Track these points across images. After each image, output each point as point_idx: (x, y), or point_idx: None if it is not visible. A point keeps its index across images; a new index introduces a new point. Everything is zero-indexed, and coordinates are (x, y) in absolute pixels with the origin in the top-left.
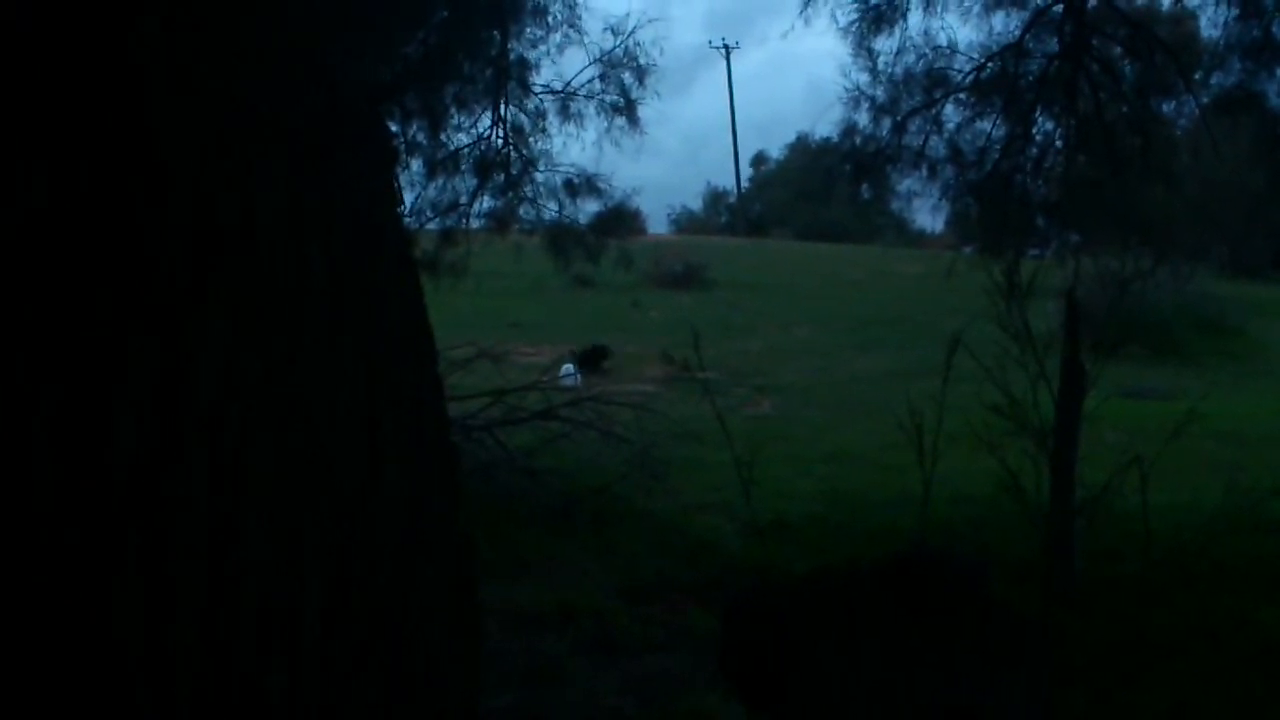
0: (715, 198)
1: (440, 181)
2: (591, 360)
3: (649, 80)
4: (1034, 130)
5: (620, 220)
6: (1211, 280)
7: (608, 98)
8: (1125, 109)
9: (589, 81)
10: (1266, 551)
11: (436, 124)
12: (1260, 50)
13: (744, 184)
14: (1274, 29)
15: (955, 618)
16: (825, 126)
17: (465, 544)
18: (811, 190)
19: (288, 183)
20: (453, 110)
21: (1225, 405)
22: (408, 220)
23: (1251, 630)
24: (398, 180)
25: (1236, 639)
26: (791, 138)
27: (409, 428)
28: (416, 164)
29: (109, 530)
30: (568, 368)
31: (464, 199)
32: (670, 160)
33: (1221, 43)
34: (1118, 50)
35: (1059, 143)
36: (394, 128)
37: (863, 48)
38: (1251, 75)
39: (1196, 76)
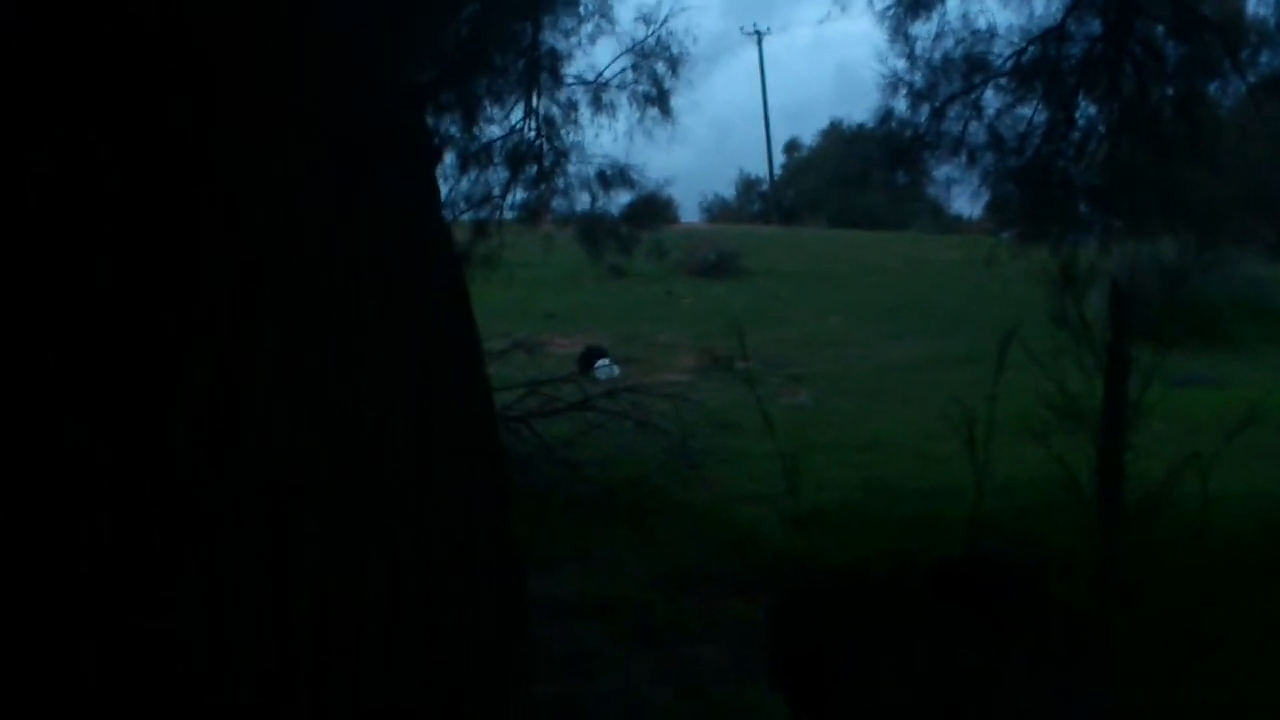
0: (748, 185)
1: (473, 174)
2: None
3: (681, 69)
4: (1076, 115)
5: (652, 210)
6: (1260, 264)
7: (640, 88)
8: (1170, 91)
9: (621, 72)
10: None
11: (469, 117)
12: None
13: (777, 171)
14: None
15: (1012, 618)
16: (860, 112)
17: (514, 541)
18: (846, 177)
19: (335, 184)
20: (485, 103)
21: (1277, 393)
22: (442, 213)
23: None
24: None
25: None
26: (823, 124)
27: (458, 425)
28: (449, 157)
29: (168, 533)
30: (603, 362)
31: (497, 191)
32: (701, 148)
33: (1270, 21)
34: (1161, 31)
35: (1102, 127)
36: (429, 120)
37: (900, 32)
38: None
39: (1244, 56)
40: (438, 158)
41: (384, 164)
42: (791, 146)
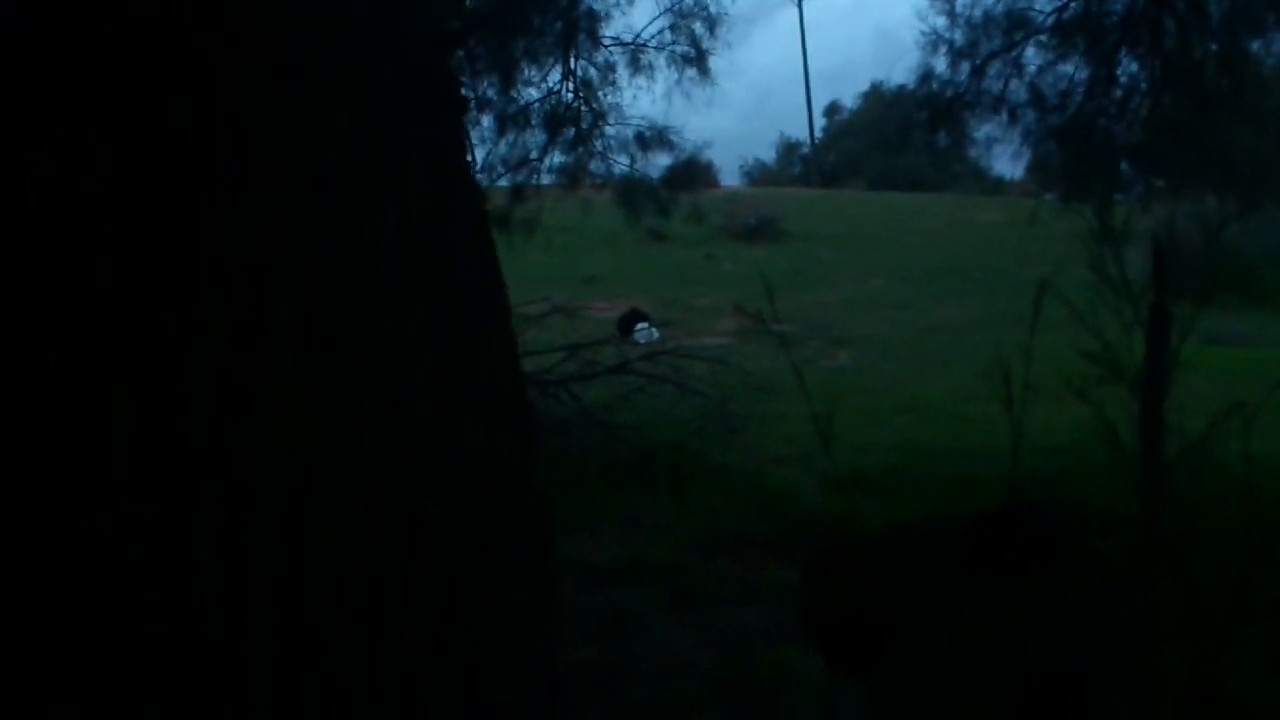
0: (788, 149)
1: (511, 137)
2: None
3: (720, 30)
4: (1118, 72)
5: (692, 173)
6: None
7: (678, 49)
8: (1213, 47)
9: (659, 33)
10: None
11: (507, 78)
12: None
13: (817, 134)
14: None
15: (1049, 575)
16: (900, 74)
17: (541, 499)
18: (886, 140)
19: (358, 134)
20: (523, 64)
21: None
22: (480, 177)
23: None
24: (467, 131)
25: None
26: (863, 87)
27: (483, 383)
28: (487, 120)
29: (185, 489)
30: (642, 325)
31: (534, 154)
32: (741, 112)
33: None
34: None
35: (1144, 84)
36: (465, 83)
37: None
38: None
39: None
40: (467, 109)
41: (410, 116)
42: (832, 109)
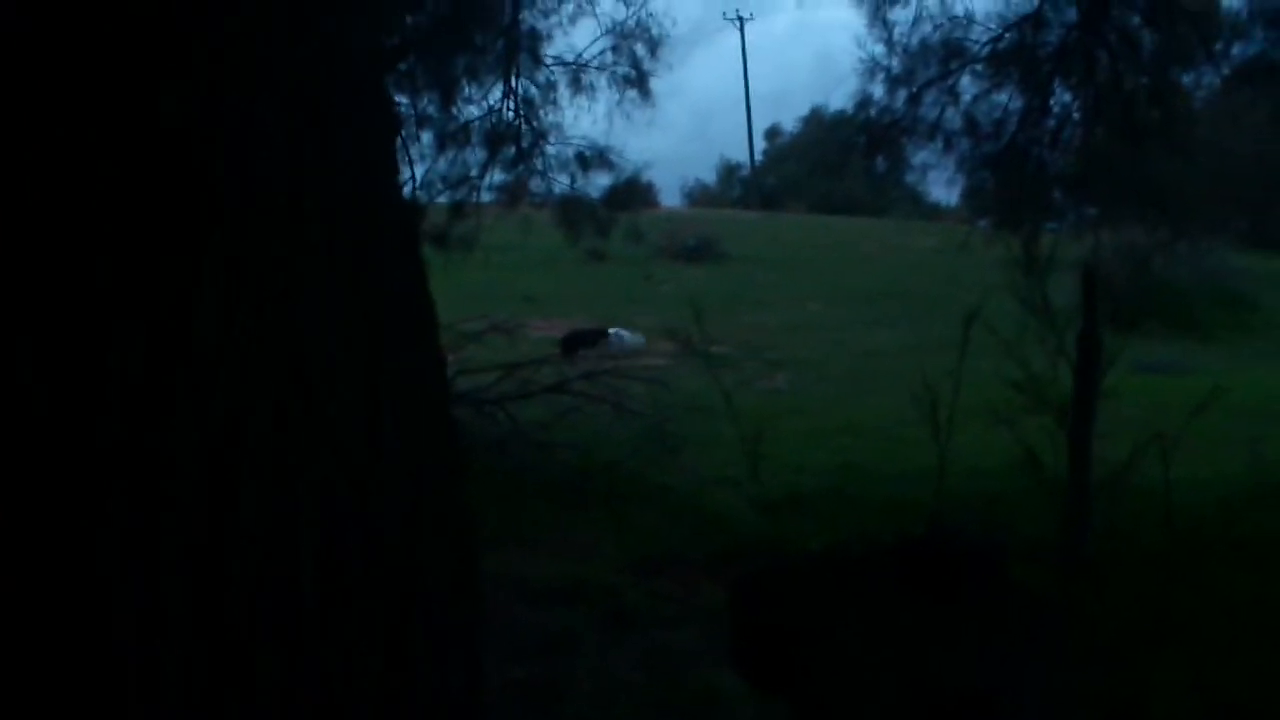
0: (728, 171)
1: (451, 154)
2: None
3: (661, 52)
4: (1051, 102)
5: (632, 193)
6: (1230, 254)
7: (619, 69)
8: (1144, 80)
9: (601, 53)
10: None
11: (447, 96)
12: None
13: (757, 157)
14: None
15: (972, 598)
16: (840, 99)
17: (467, 515)
18: (826, 163)
19: (286, 146)
20: (463, 82)
21: (1243, 380)
22: (418, 193)
23: (1272, 607)
24: (399, 148)
25: (1257, 616)
26: (803, 110)
27: (410, 396)
28: (428, 137)
29: (99, 493)
30: (616, 330)
31: (474, 172)
32: (682, 133)
33: (1244, 12)
34: (1137, 20)
35: (1076, 114)
36: (404, 100)
37: (878, 18)
38: (1273, 45)
39: (1217, 47)
40: (400, 127)
41: (338, 127)
42: (772, 133)
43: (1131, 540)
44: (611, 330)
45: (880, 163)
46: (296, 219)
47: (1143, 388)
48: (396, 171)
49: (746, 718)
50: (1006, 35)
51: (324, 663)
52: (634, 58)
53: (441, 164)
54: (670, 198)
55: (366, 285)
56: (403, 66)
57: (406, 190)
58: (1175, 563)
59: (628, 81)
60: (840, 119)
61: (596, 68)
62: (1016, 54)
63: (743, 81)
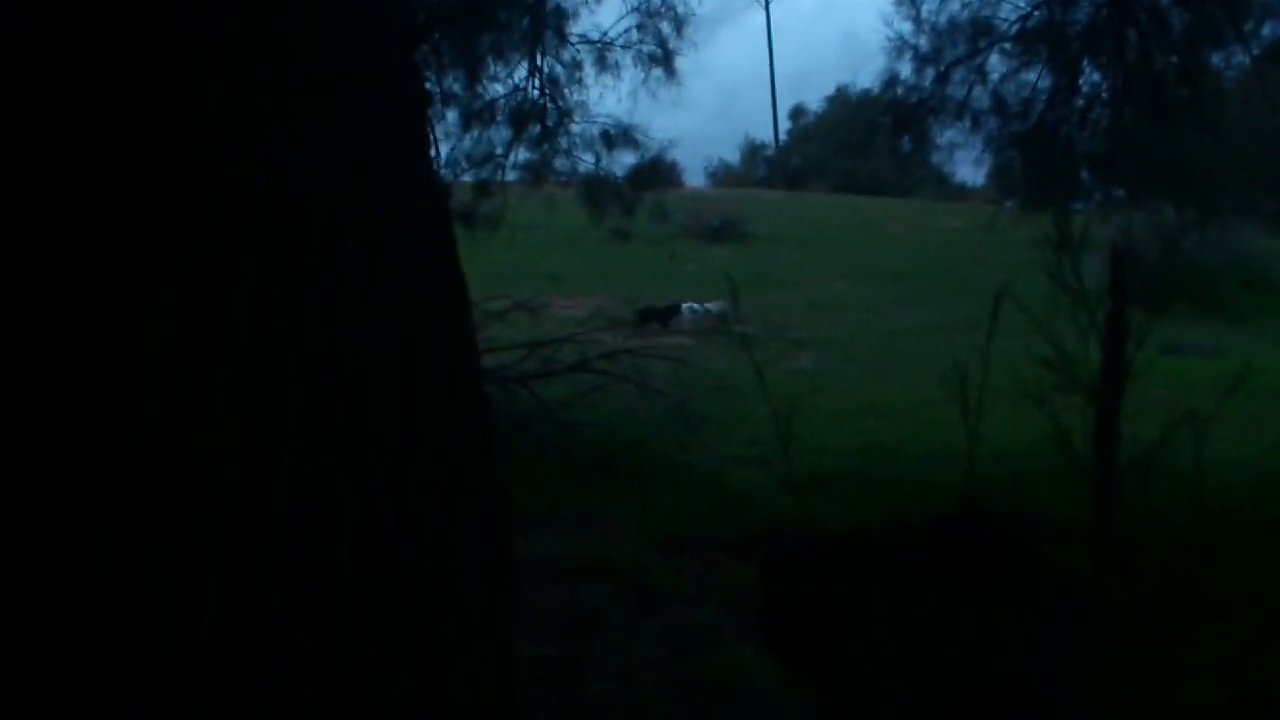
0: (753, 150)
1: (476, 133)
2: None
3: (686, 30)
4: (1080, 81)
5: (656, 172)
6: (1259, 235)
7: (645, 48)
8: (1174, 59)
9: (626, 31)
10: None
11: (473, 74)
12: None
13: (782, 137)
14: None
15: (1002, 579)
16: (865, 78)
17: (500, 495)
18: (851, 143)
19: (318, 128)
20: (489, 60)
21: (1273, 361)
22: (444, 172)
23: None
24: (431, 127)
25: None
26: (828, 90)
27: (443, 380)
28: (453, 115)
29: (136, 478)
30: (690, 305)
31: (500, 150)
32: (707, 113)
33: None
34: None
35: (1105, 94)
36: (430, 78)
37: None
38: None
39: (1248, 26)
40: (430, 104)
41: (370, 107)
42: (797, 112)
43: (1161, 521)
44: (685, 305)
45: (906, 142)
46: (330, 205)
47: (1171, 369)
48: (428, 150)
49: (770, 694)
50: (1035, 13)
51: (359, 647)
52: (659, 36)
53: (467, 142)
54: (695, 177)
55: (402, 270)
56: (428, 45)
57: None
58: (1205, 545)
59: (653, 60)
60: (866, 98)
61: (622, 46)
62: (1045, 32)
63: (768, 61)
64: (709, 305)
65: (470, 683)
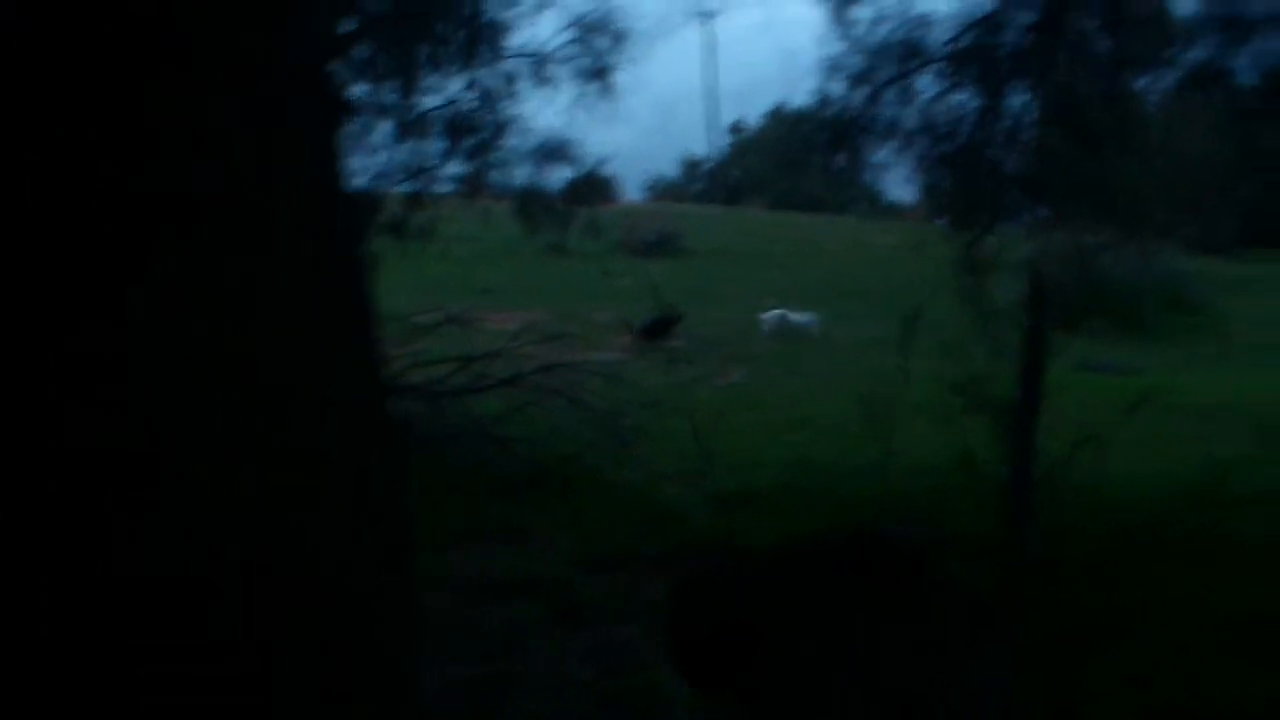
0: (691, 165)
1: (410, 144)
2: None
3: (624, 45)
4: (1007, 102)
5: (592, 187)
6: (1179, 257)
7: (582, 62)
8: (1099, 83)
9: (563, 45)
10: (1225, 526)
11: (408, 84)
12: (1230, 25)
13: (721, 152)
14: (1243, 4)
15: (910, 597)
16: (802, 95)
17: (408, 516)
18: (788, 160)
19: (223, 134)
20: (424, 71)
21: (1190, 382)
22: (376, 183)
23: (1209, 605)
24: (357, 136)
25: (1194, 614)
26: (766, 107)
27: (351, 397)
28: (387, 126)
29: (29, 485)
30: (777, 311)
31: (434, 162)
32: (645, 127)
33: (1194, 17)
34: (1092, 24)
35: (1032, 116)
36: (365, 88)
37: (839, 15)
38: (1222, 51)
39: (1171, 51)
40: (346, 116)
41: (279, 117)
42: (736, 128)
43: (1072, 537)
44: (772, 310)
45: (840, 160)
46: (233, 212)
47: (1090, 387)
48: (339, 162)
49: (691, 713)
50: (964, 36)
51: (256, 670)
52: (597, 51)
53: (401, 153)
54: (632, 191)
55: (307, 280)
56: (363, 54)
57: (364, 179)
58: (1114, 561)
59: (590, 75)
60: (802, 116)
61: (559, 60)
62: (974, 55)
63: (706, 76)
64: (796, 316)
65: (374, 707)
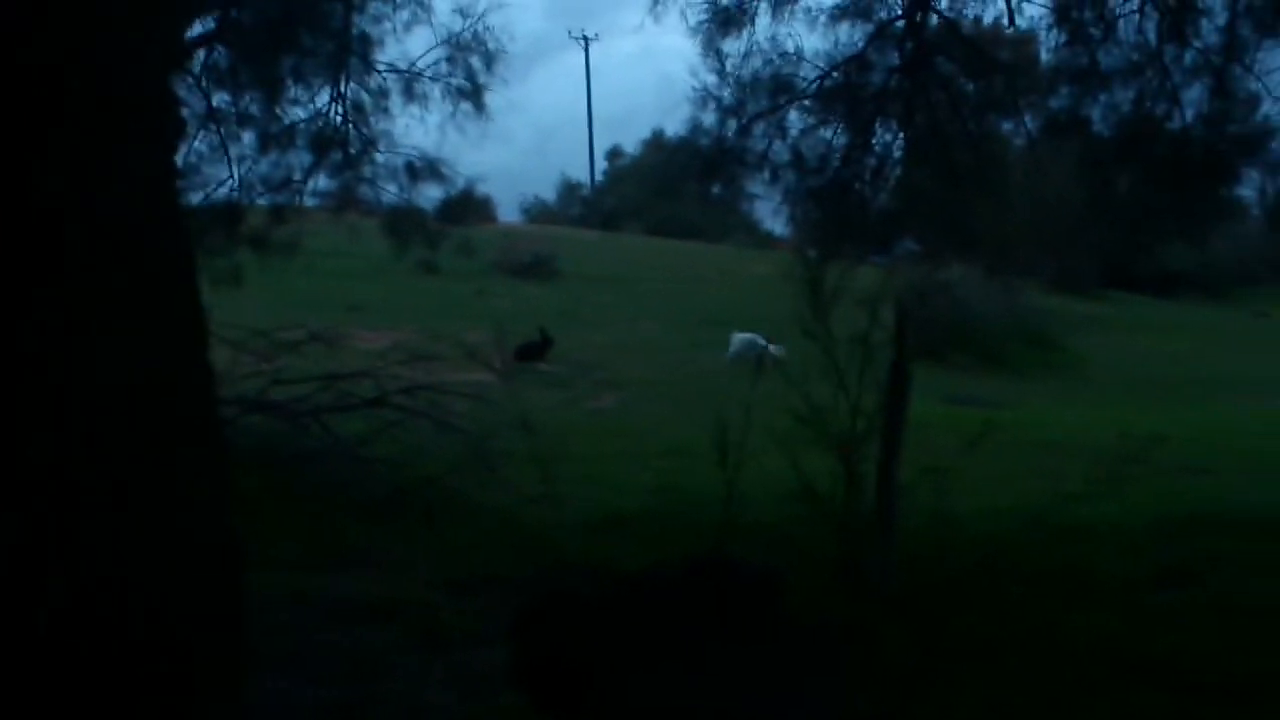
0: (569, 189)
1: (274, 156)
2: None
3: (497, 66)
4: (874, 140)
5: (466, 206)
6: (1039, 295)
7: (454, 81)
8: (962, 125)
9: (435, 63)
10: (1073, 556)
11: (272, 96)
12: (1086, 76)
13: (598, 177)
14: (1099, 56)
15: (751, 625)
16: (678, 123)
17: (232, 533)
18: (664, 187)
19: (55, 146)
20: (289, 83)
21: (1047, 416)
22: (238, 195)
23: (1058, 634)
24: (217, 147)
25: (1044, 643)
26: (645, 133)
27: (177, 417)
28: (249, 137)
29: None
30: (751, 337)
31: (299, 176)
32: (522, 149)
33: (1052, 67)
34: (956, 68)
35: (897, 154)
36: (226, 98)
37: (711, 48)
38: (1078, 100)
39: (1035, 99)
40: (183, 131)
41: (115, 129)
42: (614, 153)
43: (926, 567)
44: (740, 335)
45: (714, 189)
46: (59, 223)
47: (954, 419)
48: (172, 173)
49: None
50: (833, 74)
51: (66, 686)
52: (469, 70)
53: (264, 165)
54: (509, 213)
55: (134, 295)
56: (223, 63)
57: (225, 190)
58: (966, 591)
59: (462, 94)
60: (678, 144)
61: (430, 78)
62: (842, 92)
63: (586, 101)
64: (769, 344)
65: None
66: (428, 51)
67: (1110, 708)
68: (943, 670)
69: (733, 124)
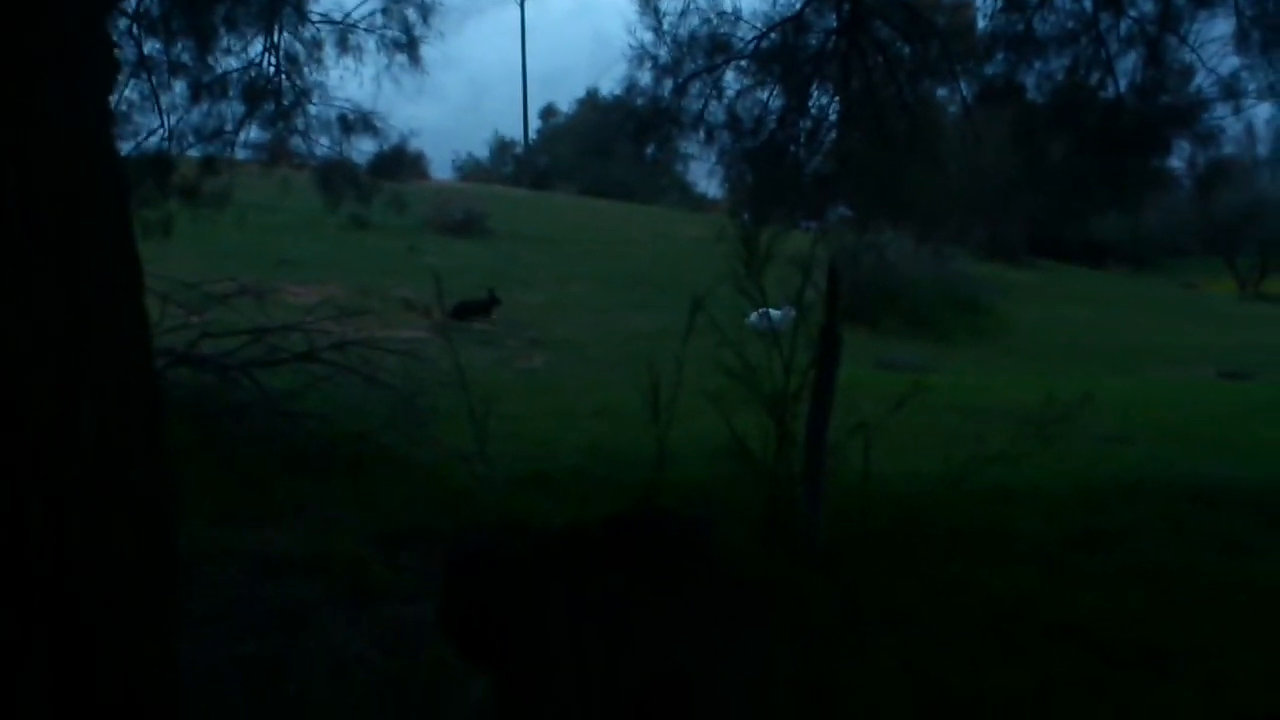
0: (502, 147)
1: (206, 106)
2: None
3: (433, 18)
4: (809, 103)
5: (399, 162)
6: (970, 261)
7: (389, 33)
8: (897, 90)
9: (370, 15)
10: (995, 517)
11: (204, 45)
12: (1021, 43)
13: (532, 135)
14: (1035, 23)
15: (675, 579)
16: (612, 83)
17: (166, 487)
18: (599, 146)
19: None
20: (221, 31)
21: (974, 381)
22: (168, 145)
23: (978, 593)
24: (148, 96)
25: (965, 601)
26: (579, 92)
27: (109, 364)
28: (180, 86)
29: None
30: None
31: (230, 126)
32: (456, 105)
33: (988, 33)
34: (893, 32)
35: (832, 117)
36: (157, 46)
37: (649, 5)
38: (1013, 67)
39: (970, 65)
40: (117, 74)
41: (46, 73)
42: (548, 112)
43: (851, 526)
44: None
45: (648, 150)
46: None
47: (883, 382)
48: (109, 123)
49: (476, 692)
50: (770, 35)
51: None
52: (405, 22)
53: (195, 115)
54: (441, 170)
55: (67, 243)
56: (155, 9)
57: (156, 140)
58: (891, 550)
59: (397, 46)
60: (612, 103)
61: (365, 29)
62: (779, 54)
63: (520, 58)
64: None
65: (127, 680)
66: (363, 2)
67: (1028, 668)
68: (865, 628)
69: (668, 83)
